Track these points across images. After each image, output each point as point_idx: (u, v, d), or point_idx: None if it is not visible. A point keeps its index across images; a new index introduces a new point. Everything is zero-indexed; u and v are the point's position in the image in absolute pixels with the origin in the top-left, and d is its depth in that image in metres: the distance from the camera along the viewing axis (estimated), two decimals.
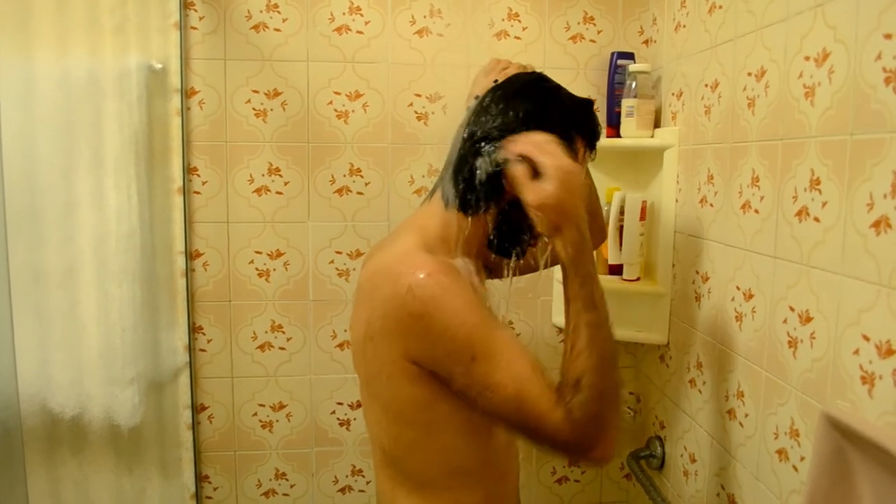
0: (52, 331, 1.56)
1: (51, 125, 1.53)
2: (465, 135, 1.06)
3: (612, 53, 1.75)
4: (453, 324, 0.93)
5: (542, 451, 1.02)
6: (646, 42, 1.80)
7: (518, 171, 0.95)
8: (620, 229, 1.64)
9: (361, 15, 1.73)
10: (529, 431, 0.95)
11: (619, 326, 1.74)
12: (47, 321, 1.56)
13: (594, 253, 1.03)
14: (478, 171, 1.03)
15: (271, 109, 1.74)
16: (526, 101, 1.04)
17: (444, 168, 1.12)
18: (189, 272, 1.74)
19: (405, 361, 0.98)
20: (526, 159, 0.94)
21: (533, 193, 0.93)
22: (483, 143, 1.03)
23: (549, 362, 1.86)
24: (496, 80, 1.13)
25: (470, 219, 1.05)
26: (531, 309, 1.86)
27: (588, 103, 1.12)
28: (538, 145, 0.95)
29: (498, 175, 1.01)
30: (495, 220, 1.07)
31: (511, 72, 1.19)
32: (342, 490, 1.89)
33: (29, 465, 1.58)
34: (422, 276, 0.95)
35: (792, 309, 1.10)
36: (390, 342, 0.98)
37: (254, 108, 1.73)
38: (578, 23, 1.78)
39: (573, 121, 1.07)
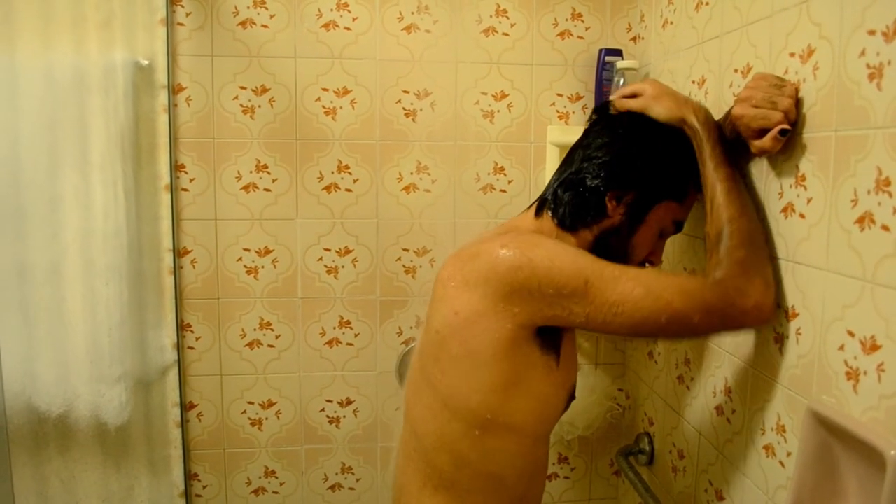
0: (38, 328, 1.55)
1: (35, 121, 1.51)
2: (582, 155, 1.10)
3: (601, 50, 1.75)
4: (557, 259, 0.93)
5: (704, 336, 1.02)
6: (634, 39, 1.80)
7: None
8: None
9: (349, 11, 1.73)
10: (678, 320, 0.91)
11: None
12: (33, 318, 1.55)
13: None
14: (588, 191, 1.07)
15: (259, 106, 1.73)
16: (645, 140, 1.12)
17: (552, 179, 1.15)
18: (177, 270, 1.73)
19: (512, 327, 0.95)
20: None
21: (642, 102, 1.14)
22: (596, 167, 1.08)
23: None
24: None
25: (566, 233, 1.07)
26: None
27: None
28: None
29: (602, 198, 1.06)
30: (590, 245, 1.07)
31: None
32: (332, 488, 1.89)
33: (15, 464, 1.57)
34: (511, 238, 0.98)
35: (778, 305, 1.11)
36: (495, 311, 0.94)
37: (241, 105, 1.72)
38: (566, 19, 1.78)
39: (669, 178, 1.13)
